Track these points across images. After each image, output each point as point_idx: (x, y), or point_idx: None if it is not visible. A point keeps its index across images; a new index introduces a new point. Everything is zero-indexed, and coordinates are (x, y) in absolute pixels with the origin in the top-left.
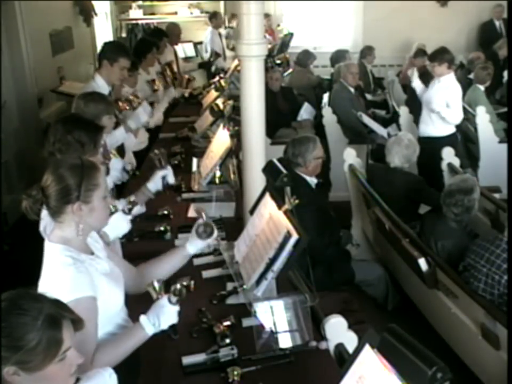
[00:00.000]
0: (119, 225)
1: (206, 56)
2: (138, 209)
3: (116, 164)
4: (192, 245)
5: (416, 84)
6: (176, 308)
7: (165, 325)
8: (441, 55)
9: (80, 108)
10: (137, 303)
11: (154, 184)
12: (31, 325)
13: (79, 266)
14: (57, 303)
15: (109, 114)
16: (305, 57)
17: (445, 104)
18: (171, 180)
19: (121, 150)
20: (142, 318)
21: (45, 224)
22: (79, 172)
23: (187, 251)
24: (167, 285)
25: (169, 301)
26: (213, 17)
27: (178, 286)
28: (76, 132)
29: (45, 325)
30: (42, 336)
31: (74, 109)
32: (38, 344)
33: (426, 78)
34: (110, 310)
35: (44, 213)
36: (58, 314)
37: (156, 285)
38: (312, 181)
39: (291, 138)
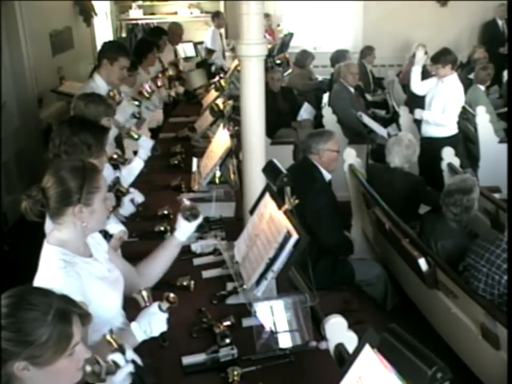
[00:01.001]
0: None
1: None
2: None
3: (145, 143)
4: (181, 231)
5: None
6: (166, 315)
7: (156, 332)
8: (445, 56)
9: (80, 109)
10: (136, 306)
11: (125, 210)
12: (41, 320)
13: (69, 270)
14: (65, 298)
15: (107, 116)
16: (303, 57)
17: (442, 106)
18: (140, 199)
19: (120, 149)
20: (133, 325)
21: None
22: (81, 175)
23: (177, 239)
24: (168, 286)
25: (160, 308)
26: (215, 16)
27: (171, 294)
28: (82, 134)
29: (56, 320)
30: (53, 330)
31: (73, 109)
32: (48, 338)
33: (425, 78)
34: (105, 313)
35: None
36: (68, 309)
37: (144, 293)
38: (327, 174)
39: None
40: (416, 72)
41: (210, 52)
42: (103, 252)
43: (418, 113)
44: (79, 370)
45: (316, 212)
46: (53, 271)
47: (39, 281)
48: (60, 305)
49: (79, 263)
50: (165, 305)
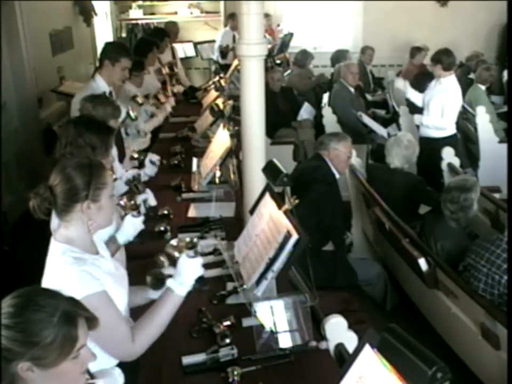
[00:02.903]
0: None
1: (213, 56)
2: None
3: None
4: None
5: (411, 94)
6: (198, 260)
7: (190, 280)
8: (443, 56)
9: (88, 111)
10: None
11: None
12: (47, 321)
13: (81, 264)
14: (72, 300)
15: (115, 118)
16: (303, 57)
17: (440, 107)
18: (153, 202)
19: (121, 150)
20: (169, 281)
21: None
22: (87, 172)
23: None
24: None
25: (188, 256)
26: (230, 18)
27: (187, 238)
28: (87, 135)
29: (61, 322)
30: (58, 332)
31: (79, 111)
32: (53, 340)
33: (424, 77)
34: None
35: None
36: (74, 312)
37: (174, 242)
38: (335, 172)
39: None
40: (412, 94)
41: (223, 52)
42: (105, 249)
43: (417, 118)
44: (83, 374)
45: (332, 202)
46: (65, 268)
47: (52, 280)
48: (67, 307)
49: (88, 259)
50: (189, 252)
